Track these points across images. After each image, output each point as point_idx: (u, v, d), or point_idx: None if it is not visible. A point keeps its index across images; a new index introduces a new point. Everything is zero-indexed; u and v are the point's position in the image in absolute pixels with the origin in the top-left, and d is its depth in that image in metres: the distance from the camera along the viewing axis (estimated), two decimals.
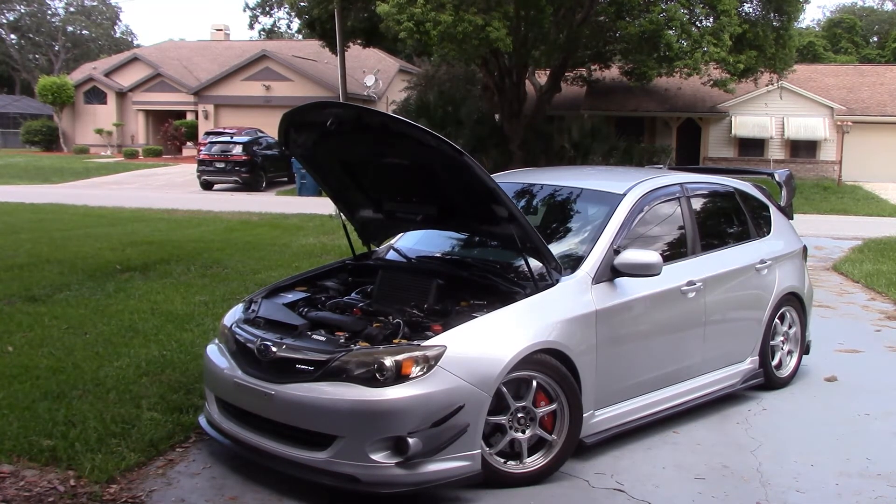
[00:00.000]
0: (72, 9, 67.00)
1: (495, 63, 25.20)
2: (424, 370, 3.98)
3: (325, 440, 4.03)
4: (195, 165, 28.19)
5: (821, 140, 30.59)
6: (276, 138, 7.59)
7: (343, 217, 5.56)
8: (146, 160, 37.35)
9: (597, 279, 4.73)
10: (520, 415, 4.30)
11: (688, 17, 22.22)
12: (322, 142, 4.84)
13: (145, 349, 6.38)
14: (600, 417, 4.72)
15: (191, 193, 25.16)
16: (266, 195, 25.50)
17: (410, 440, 3.90)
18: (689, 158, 30.12)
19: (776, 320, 6.11)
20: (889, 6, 65.90)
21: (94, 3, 68.74)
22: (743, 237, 6.12)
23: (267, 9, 34.03)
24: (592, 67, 29.11)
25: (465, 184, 4.43)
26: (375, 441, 3.93)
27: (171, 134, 40.37)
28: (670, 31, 21.68)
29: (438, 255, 5.42)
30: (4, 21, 62.13)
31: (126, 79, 41.95)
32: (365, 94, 35.87)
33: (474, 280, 4.76)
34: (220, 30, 48.28)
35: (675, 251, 5.46)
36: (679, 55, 21.72)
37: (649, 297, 4.98)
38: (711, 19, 22.83)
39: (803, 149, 31.11)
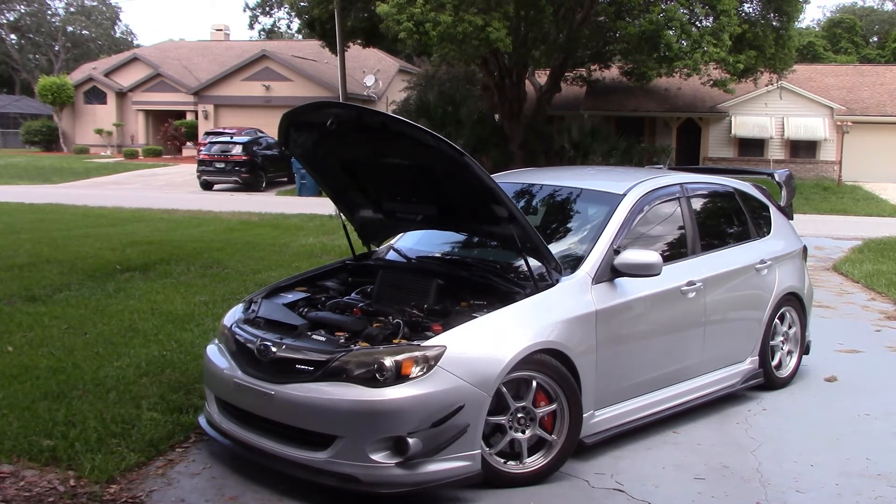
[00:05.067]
0: (72, 9, 67.04)
1: (495, 63, 25.20)
2: (424, 370, 3.98)
3: (325, 440, 4.03)
4: (195, 165, 28.18)
5: (821, 140, 30.59)
6: (276, 138, 7.58)
7: (343, 217, 5.56)
8: (146, 160, 37.35)
9: (597, 279, 4.73)
10: (520, 415, 4.30)
11: (687, 17, 22.21)
12: (322, 142, 4.84)
13: (145, 349, 6.38)
14: (600, 417, 4.72)
15: (191, 193, 25.15)
16: (266, 195, 25.50)
17: (410, 440, 3.90)
18: (689, 158, 30.12)
19: (776, 320, 6.11)
20: (889, 6, 65.95)
21: (94, 3, 68.74)
22: (743, 237, 6.12)
23: (267, 9, 34.05)
24: (592, 67, 29.11)
25: (465, 184, 4.43)
26: (375, 441, 3.93)
27: (171, 134, 40.38)
28: (670, 32, 21.67)
29: (438, 255, 5.42)
30: (4, 21, 62.15)
31: (126, 79, 41.95)
32: (365, 94, 35.87)
33: (474, 280, 4.76)
34: (220, 30, 48.28)
35: (675, 251, 5.46)
36: (679, 55, 21.70)
37: (649, 297, 4.98)
38: (711, 19, 22.82)
39: (803, 149, 31.11)
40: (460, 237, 5.50)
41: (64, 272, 9.55)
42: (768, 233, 6.34)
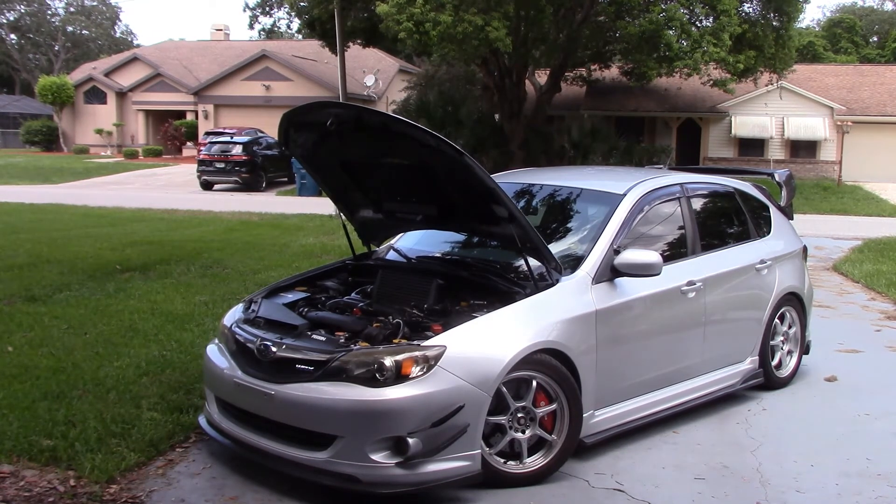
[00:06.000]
0: (72, 9, 67.05)
1: (495, 63, 25.20)
2: (424, 370, 3.98)
3: (325, 440, 4.03)
4: (195, 165, 28.19)
5: (821, 140, 30.60)
6: (276, 138, 7.58)
7: (343, 217, 5.56)
8: (146, 160, 37.35)
9: (597, 279, 4.73)
10: (520, 415, 4.30)
11: (688, 17, 22.21)
12: (322, 142, 4.84)
13: (145, 349, 6.38)
14: (600, 417, 4.72)
15: (191, 193, 25.16)
16: (266, 195, 25.50)
17: (410, 440, 3.90)
18: (689, 158, 30.12)
19: (776, 320, 6.11)
20: (889, 6, 65.94)
21: (94, 3, 68.74)
22: (743, 237, 6.12)
23: (267, 9, 34.01)
24: (592, 67, 29.11)
25: (466, 184, 4.43)
26: (375, 441, 3.93)
27: (171, 134, 40.39)
28: (670, 31, 21.67)
29: (438, 255, 5.42)
30: (4, 21, 62.17)
31: (126, 79, 41.96)
32: (365, 94, 35.87)
33: (474, 280, 4.76)
34: (220, 30, 48.29)
35: (675, 251, 5.46)
36: (679, 55, 21.71)
37: (649, 297, 4.97)
38: (711, 19, 22.82)
39: (803, 149, 31.11)
40: (460, 237, 5.50)
41: (64, 272, 9.55)
42: (768, 233, 6.34)
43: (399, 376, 3.96)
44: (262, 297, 4.96)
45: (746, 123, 30.85)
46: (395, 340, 4.22)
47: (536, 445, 4.38)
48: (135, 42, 70.79)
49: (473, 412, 4.02)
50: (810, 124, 30.50)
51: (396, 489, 3.97)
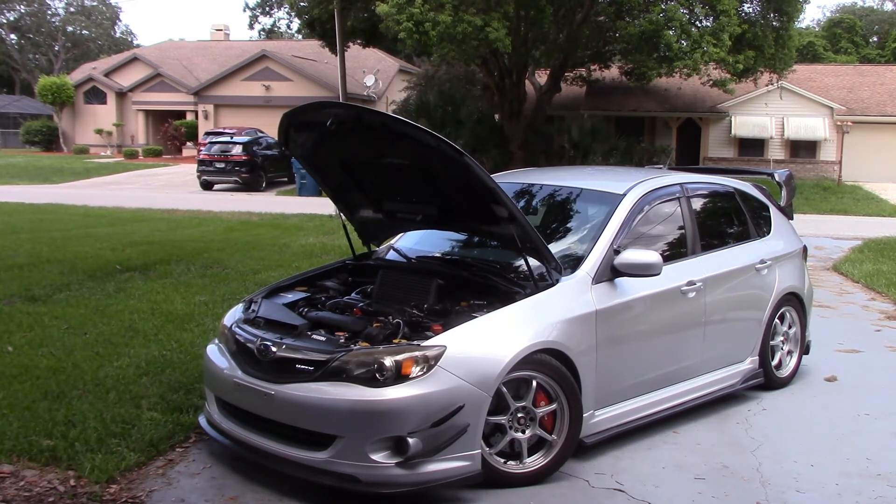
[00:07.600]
0: (72, 9, 67.08)
1: (495, 63, 25.21)
2: (424, 370, 3.98)
3: (325, 440, 4.03)
4: (195, 165, 28.20)
5: (821, 140, 30.58)
6: (276, 138, 7.59)
7: (343, 217, 5.56)
8: (146, 160, 37.35)
9: (597, 279, 4.73)
10: (520, 415, 4.30)
11: (687, 17, 22.22)
12: (322, 142, 4.84)
13: (145, 349, 6.38)
14: (600, 417, 4.72)
15: (191, 193, 25.16)
16: (266, 195, 25.50)
17: (410, 440, 3.90)
18: (689, 158, 30.11)
19: (776, 320, 6.11)
20: (889, 6, 65.95)
21: (94, 3, 68.76)
22: (743, 237, 6.12)
23: (267, 9, 34.03)
24: (592, 67, 29.11)
25: (466, 184, 4.43)
26: (375, 441, 3.93)
27: (171, 134, 40.40)
28: (670, 32, 21.68)
29: (438, 255, 5.42)
30: (4, 21, 62.17)
31: (126, 79, 41.97)
32: (365, 94, 35.87)
33: (474, 280, 4.76)
34: (220, 30, 48.31)
35: (676, 251, 5.46)
36: (679, 55, 21.71)
37: (649, 297, 4.98)
38: (711, 19, 22.83)
39: (803, 149, 31.10)
40: (460, 237, 5.50)
41: (64, 272, 9.54)
42: (768, 233, 6.34)
43: (399, 376, 3.96)
44: (262, 297, 4.96)
45: (746, 123, 30.84)
46: (395, 340, 4.22)
47: (536, 445, 4.38)
48: (135, 42, 70.90)
49: (473, 412, 4.02)
50: (810, 124, 30.49)
51: (396, 489, 3.97)
